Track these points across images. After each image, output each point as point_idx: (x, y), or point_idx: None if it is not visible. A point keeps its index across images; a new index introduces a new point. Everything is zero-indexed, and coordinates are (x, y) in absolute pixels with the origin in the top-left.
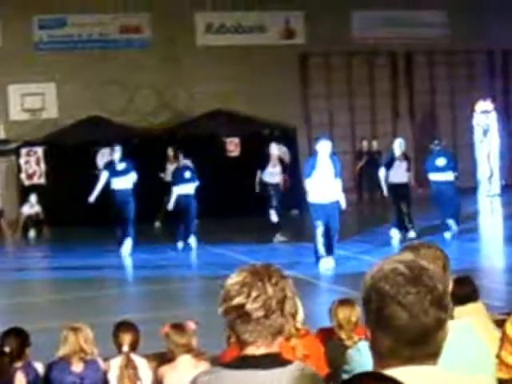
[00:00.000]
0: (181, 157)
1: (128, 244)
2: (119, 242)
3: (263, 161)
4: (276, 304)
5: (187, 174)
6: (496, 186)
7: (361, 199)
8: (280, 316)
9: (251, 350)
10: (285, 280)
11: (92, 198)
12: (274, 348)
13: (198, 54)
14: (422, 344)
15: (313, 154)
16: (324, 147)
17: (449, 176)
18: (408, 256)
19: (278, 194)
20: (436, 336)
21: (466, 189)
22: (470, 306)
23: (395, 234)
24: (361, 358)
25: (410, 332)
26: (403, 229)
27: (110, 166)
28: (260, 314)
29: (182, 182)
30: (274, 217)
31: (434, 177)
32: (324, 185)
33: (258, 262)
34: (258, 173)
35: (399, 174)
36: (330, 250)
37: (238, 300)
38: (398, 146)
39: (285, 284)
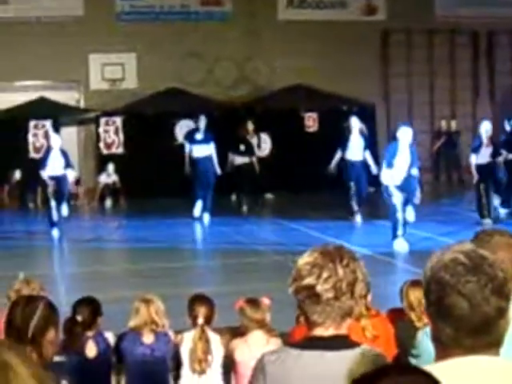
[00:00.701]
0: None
1: (198, 207)
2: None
3: (342, 137)
4: (346, 286)
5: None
6: None
7: (437, 179)
8: (350, 298)
9: (319, 331)
10: (356, 262)
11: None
12: (343, 330)
13: (279, 28)
14: (484, 333)
15: (393, 140)
16: (406, 135)
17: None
18: (468, 245)
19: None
20: (497, 325)
21: None
22: None
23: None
24: (429, 341)
25: (471, 321)
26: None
27: (191, 134)
28: (330, 295)
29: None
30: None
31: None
32: (399, 175)
33: (332, 239)
34: (338, 152)
35: (484, 158)
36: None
37: (308, 280)
38: (485, 131)
39: (356, 266)
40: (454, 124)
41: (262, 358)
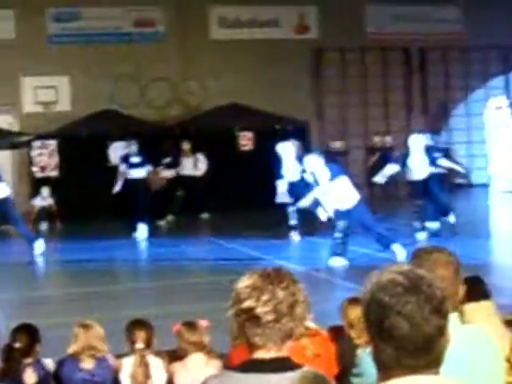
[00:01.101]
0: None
1: (142, 229)
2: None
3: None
4: (286, 308)
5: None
6: (509, 182)
7: (372, 195)
8: (290, 320)
9: (261, 354)
10: (296, 284)
11: (116, 189)
12: (284, 352)
13: (212, 47)
14: (425, 353)
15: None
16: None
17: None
18: (405, 266)
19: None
20: (438, 344)
21: (479, 185)
22: (483, 304)
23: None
24: (370, 360)
25: (412, 341)
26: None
27: (127, 158)
28: (270, 317)
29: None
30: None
31: None
32: None
33: (268, 257)
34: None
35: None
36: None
37: (248, 303)
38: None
39: (296, 288)
40: (388, 140)
41: (205, 381)
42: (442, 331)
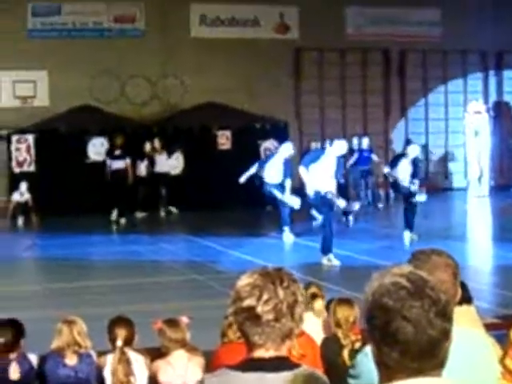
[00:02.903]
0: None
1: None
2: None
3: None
4: (286, 308)
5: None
6: (485, 187)
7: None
8: (290, 320)
9: (260, 353)
10: (296, 284)
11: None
12: (283, 351)
13: (192, 45)
14: (430, 356)
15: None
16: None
17: None
18: (406, 268)
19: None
20: (443, 347)
21: (458, 189)
22: (465, 308)
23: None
24: (368, 362)
25: (417, 345)
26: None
27: (110, 151)
28: (270, 316)
29: None
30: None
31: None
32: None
33: (247, 257)
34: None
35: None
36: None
37: (248, 302)
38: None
39: (296, 288)
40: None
41: (202, 381)
42: (446, 335)
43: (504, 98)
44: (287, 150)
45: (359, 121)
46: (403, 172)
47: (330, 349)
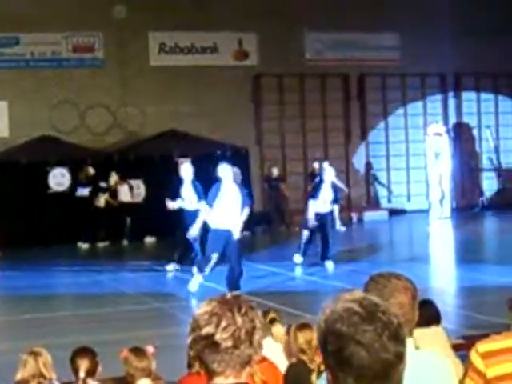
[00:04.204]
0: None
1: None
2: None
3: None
4: (245, 334)
5: None
6: (447, 208)
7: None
8: (249, 346)
9: (219, 380)
10: (254, 311)
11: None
12: (242, 378)
13: (151, 73)
14: (385, 380)
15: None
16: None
17: None
18: (358, 294)
19: None
20: (397, 370)
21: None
22: (433, 329)
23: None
24: None
25: (371, 369)
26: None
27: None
28: (229, 344)
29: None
30: None
31: None
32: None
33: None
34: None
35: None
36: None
37: (207, 329)
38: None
39: (254, 315)
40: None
41: None
42: (400, 357)
43: (463, 120)
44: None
45: (320, 145)
46: (325, 197)
47: (299, 374)
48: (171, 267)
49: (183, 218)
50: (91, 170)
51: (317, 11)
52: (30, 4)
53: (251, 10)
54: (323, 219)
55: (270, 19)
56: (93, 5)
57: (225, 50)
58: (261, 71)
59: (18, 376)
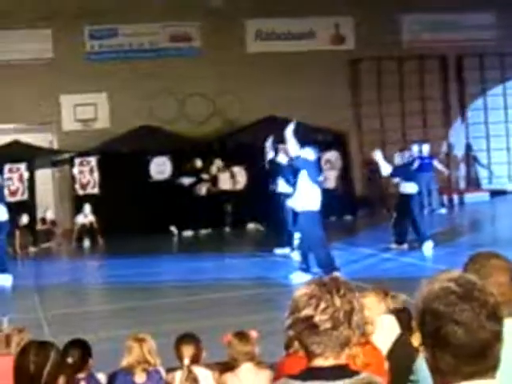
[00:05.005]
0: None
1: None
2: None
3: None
4: (343, 316)
5: None
6: None
7: None
8: (347, 328)
9: (319, 362)
10: (352, 292)
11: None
12: (342, 359)
13: (249, 61)
14: (482, 359)
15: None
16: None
17: None
18: (454, 273)
19: None
20: (494, 349)
21: None
22: None
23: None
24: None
25: (469, 348)
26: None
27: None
28: (328, 325)
29: None
30: None
31: None
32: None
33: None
34: None
35: None
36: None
37: (306, 312)
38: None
39: (352, 296)
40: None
41: None
42: (497, 337)
43: None
44: None
45: (419, 128)
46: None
47: (403, 354)
48: (280, 252)
49: (283, 204)
50: (199, 163)
51: None
52: None
53: None
54: (409, 201)
55: (366, 2)
56: None
57: (321, 35)
58: (358, 55)
59: (124, 362)
